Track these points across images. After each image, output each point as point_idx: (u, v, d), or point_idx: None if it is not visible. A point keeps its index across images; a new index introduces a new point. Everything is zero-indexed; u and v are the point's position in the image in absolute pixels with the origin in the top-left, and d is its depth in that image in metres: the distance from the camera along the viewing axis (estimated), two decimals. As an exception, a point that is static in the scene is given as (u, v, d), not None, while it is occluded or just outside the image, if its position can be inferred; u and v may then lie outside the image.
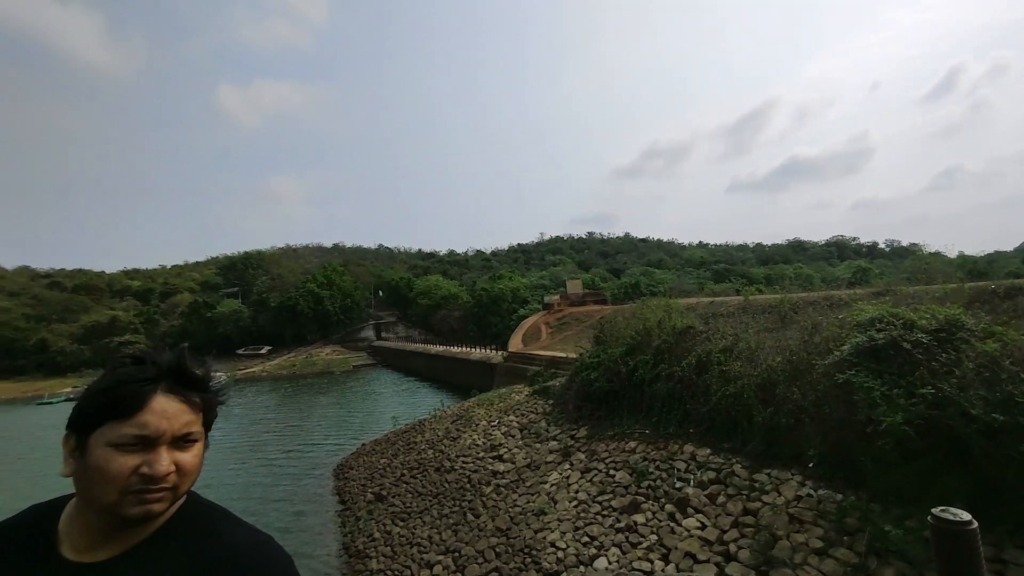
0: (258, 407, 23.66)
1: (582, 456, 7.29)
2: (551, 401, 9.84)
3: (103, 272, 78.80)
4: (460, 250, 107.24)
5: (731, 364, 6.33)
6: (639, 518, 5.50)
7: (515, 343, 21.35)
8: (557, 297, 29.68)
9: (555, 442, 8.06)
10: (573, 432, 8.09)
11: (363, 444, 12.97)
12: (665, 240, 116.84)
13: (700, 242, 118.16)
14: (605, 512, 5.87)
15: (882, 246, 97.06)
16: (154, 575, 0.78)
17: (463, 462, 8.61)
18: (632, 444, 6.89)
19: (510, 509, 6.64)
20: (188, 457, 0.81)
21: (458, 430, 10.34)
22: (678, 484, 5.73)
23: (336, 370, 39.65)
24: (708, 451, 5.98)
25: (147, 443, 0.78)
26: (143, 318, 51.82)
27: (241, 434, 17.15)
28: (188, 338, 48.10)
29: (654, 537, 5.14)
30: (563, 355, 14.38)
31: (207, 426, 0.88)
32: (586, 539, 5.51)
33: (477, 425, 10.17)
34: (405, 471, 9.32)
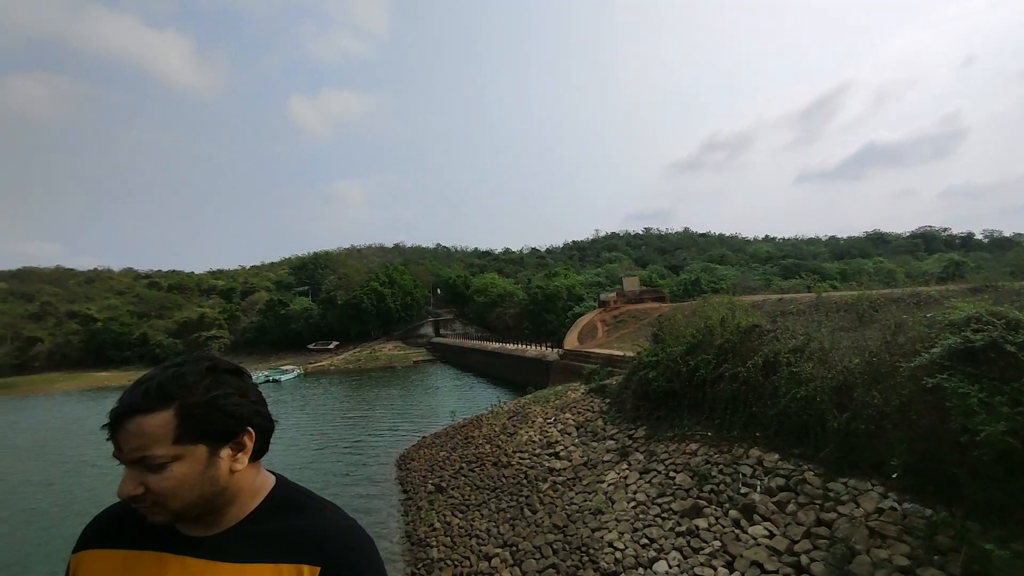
0: (329, 398, 25.13)
1: (640, 456, 7.15)
2: (608, 400, 9.72)
3: (193, 273, 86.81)
4: (515, 248, 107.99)
5: (802, 365, 5.97)
6: (701, 523, 5.33)
7: (570, 341, 21.22)
8: (613, 294, 29.17)
9: (612, 441, 7.97)
10: (631, 432, 7.95)
11: (423, 437, 13.44)
12: (728, 235, 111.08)
13: (766, 236, 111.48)
14: (665, 515, 5.74)
15: (979, 237, 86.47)
16: (254, 549, 0.86)
17: (520, 458, 8.72)
18: (693, 446, 6.67)
19: (567, 507, 6.65)
20: (155, 479, 0.80)
21: (514, 426, 10.47)
22: (743, 490, 5.49)
23: (397, 365, 41.26)
24: (776, 456, 5.67)
25: (123, 460, 0.81)
26: (227, 315, 56.50)
27: (316, 422, 18.41)
28: (265, 333, 51.95)
29: (717, 543, 4.97)
30: (620, 353, 14.13)
31: (204, 439, 0.83)
32: (645, 541, 5.42)
33: (533, 422, 10.24)
34: (463, 464, 9.56)
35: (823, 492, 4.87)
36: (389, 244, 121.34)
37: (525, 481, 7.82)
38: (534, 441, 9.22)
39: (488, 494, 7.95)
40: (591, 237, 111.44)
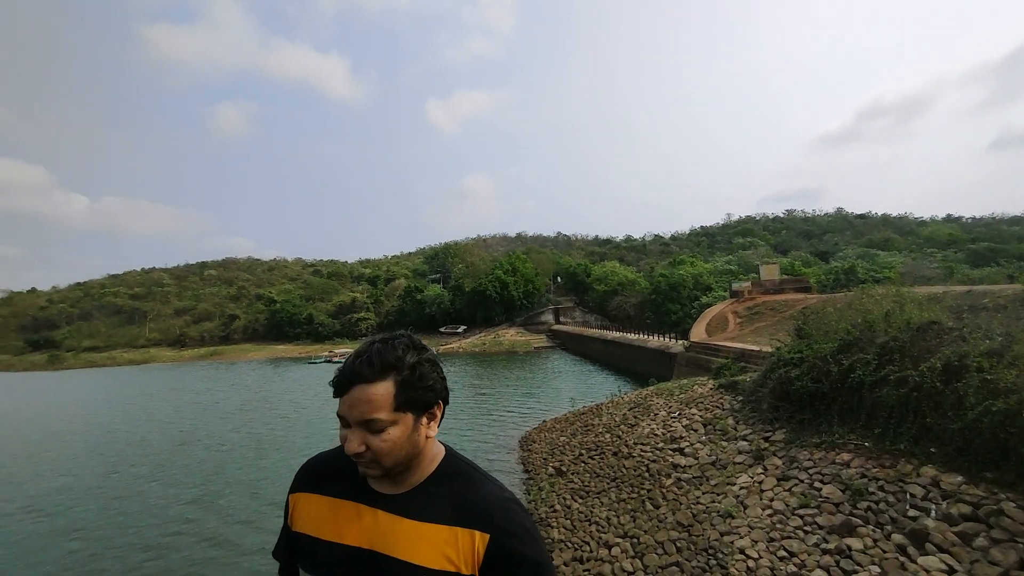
0: (459, 378, 27.10)
1: (778, 462, 6.53)
2: (740, 398, 9.00)
3: (346, 262, 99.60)
4: (637, 235, 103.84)
5: (1000, 372, 4.88)
6: (854, 543, 4.72)
7: (697, 332, 19.92)
8: (748, 284, 26.60)
9: (745, 442, 7.38)
10: (767, 434, 7.28)
11: (544, 421, 13.84)
12: (894, 215, 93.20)
13: (948, 215, 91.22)
14: (808, 528, 5.19)
15: None
16: (433, 511, 0.97)
17: (641, 450, 8.53)
18: (845, 456, 5.89)
19: (692, 505, 6.37)
20: (376, 440, 0.92)
21: (635, 418, 10.25)
22: (911, 512, 4.72)
23: (519, 350, 42.78)
24: (959, 479, 4.76)
25: (345, 423, 0.94)
26: (373, 299, 63.90)
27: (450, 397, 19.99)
28: (404, 316, 57.62)
29: (875, 569, 4.37)
30: (755, 348, 12.94)
31: (412, 408, 0.95)
32: (783, 554, 4.97)
33: (656, 415, 9.92)
34: (583, 451, 9.66)
35: (1027, 528, 3.98)
36: (512, 234, 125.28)
37: (647, 474, 7.65)
38: (656, 434, 8.94)
39: (608, 483, 7.94)
40: (721, 222, 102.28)
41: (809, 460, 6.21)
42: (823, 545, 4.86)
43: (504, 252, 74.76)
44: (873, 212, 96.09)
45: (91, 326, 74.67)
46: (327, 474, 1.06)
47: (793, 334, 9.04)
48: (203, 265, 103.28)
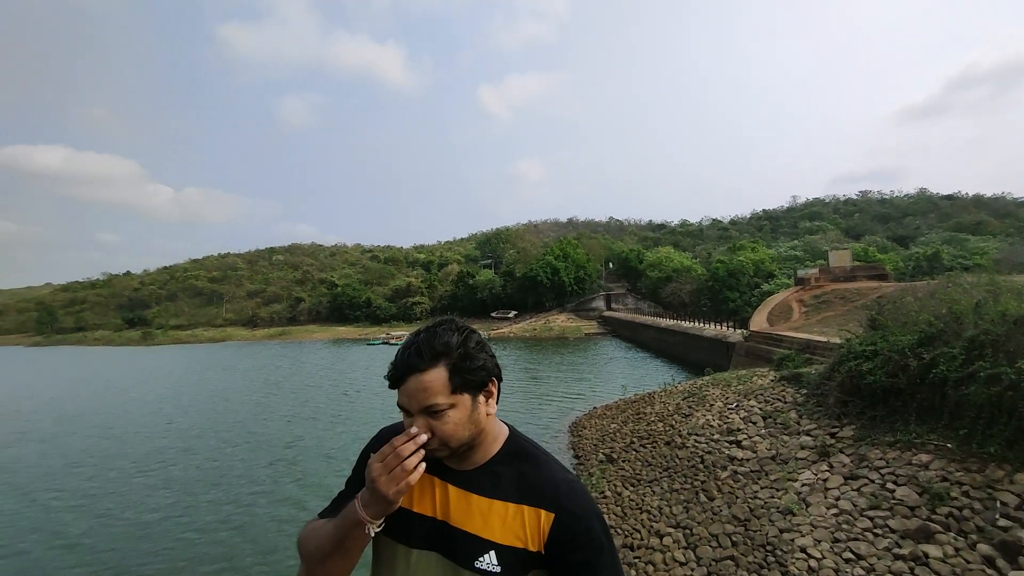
0: (511, 362, 27.42)
1: (846, 459, 6.17)
2: (804, 391, 8.53)
3: (401, 247, 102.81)
4: (693, 220, 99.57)
5: (1119, 372, 4.33)
6: (931, 550, 4.41)
7: (758, 321, 18.99)
8: (815, 271, 24.90)
9: (808, 437, 7.02)
10: (833, 430, 6.89)
11: (594, 407, 13.78)
12: (988, 196, 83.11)
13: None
14: (878, 531, 4.90)
15: None
16: (500, 488, 1.00)
17: (695, 441, 8.33)
18: (924, 457, 5.48)
19: (749, 499, 6.17)
20: (439, 424, 0.95)
21: (690, 407, 9.99)
22: (1002, 522, 4.33)
23: (570, 336, 42.62)
24: (1061, 488, 4.31)
25: (407, 412, 0.98)
26: (427, 284, 65.70)
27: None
28: (456, 300, 58.88)
29: (954, 578, 4.06)
30: (821, 339, 12.18)
31: (467, 389, 0.98)
32: (850, 556, 4.73)
33: (711, 406, 9.62)
34: (635, 439, 9.56)
35: None
36: (563, 219, 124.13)
37: (701, 466, 7.47)
38: (712, 426, 8.68)
39: (660, 472, 7.83)
40: (786, 205, 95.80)
41: (881, 459, 5.83)
42: (895, 550, 4.58)
43: (555, 237, 74.25)
44: (962, 192, 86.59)
45: (176, 306, 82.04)
46: None
47: (866, 325, 8.43)
48: (271, 250, 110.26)
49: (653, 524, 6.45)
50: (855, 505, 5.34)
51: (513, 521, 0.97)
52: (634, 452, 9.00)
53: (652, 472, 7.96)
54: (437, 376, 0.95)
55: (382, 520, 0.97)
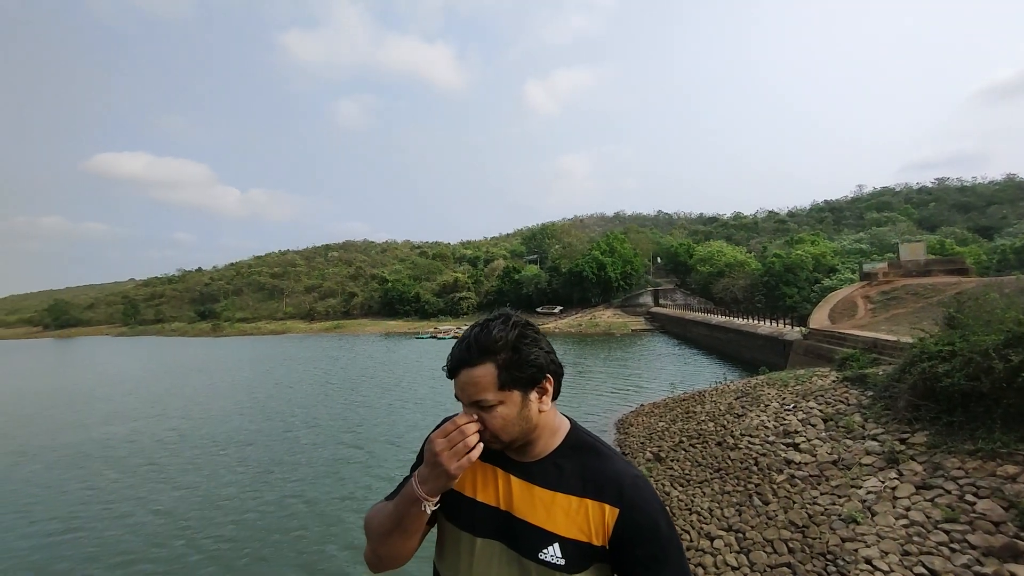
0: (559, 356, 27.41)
1: (917, 467, 5.75)
2: (870, 393, 8.00)
3: (449, 243, 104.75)
4: (747, 212, 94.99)
5: None
6: (1019, 570, 4.04)
7: (818, 319, 17.95)
8: (883, 265, 23.18)
9: (875, 442, 6.59)
10: (904, 436, 6.43)
11: (642, 405, 13.53)
12: None
13: None
14: (956, 546, 4.54)
15: None
16: (562, 481, 1.00)
17: (749, 442, 8.02)
18: (1011, 469, 5.01)
19: (808, 505, 5.88)
20: (488, 418, 0.97)
21: (743, 407, 9.61)
22: (1102, 542, 3.90)
23: (616, 332, 41.94)
24: None
25: (463, 402, 1.00)
26: (473, 279, 66.61)
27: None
28: (502, 296, 59.32)
29: (1044, 601, 3.71)
30: (890, 338, 11.35)
31: (516, 386, 0.98)
32: (922, 571, 4.42)
33: (767, 406, 9.21)
34: (684, 439, 9.32)
35: None
36: (610, 213, 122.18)
37: (755, 468, 7.19)
38: (767, 427, 8.32)
39: (711, 473, 7.60)
40: (850, 195, 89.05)
41: (959, 469, 5.38)
42: (976, 568, 4.23)
43: (601, 232, 73.14)
44: (1058, 178, 77.33)
45: (241, 300, 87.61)
46: None
47: (943, 323, 7.78)
48: (327, 247, 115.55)
49: (703, 526, 6.28)
50: (928, 517, 4.97)
51: (576, 514, 0.97)
52: (683, 451, 8.78)
53: (702, 473, 7.74)
54: (485, 372, 0.96)
55: (438, 498, 0.98)
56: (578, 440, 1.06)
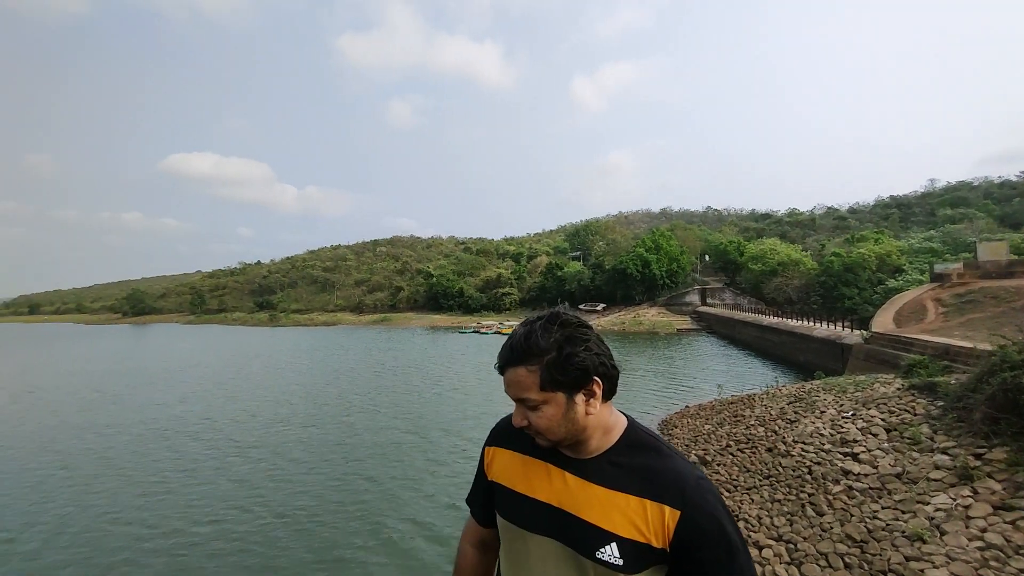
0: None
1: (995, 486, 5.32)
2: (940, 403, 7.45)
3: (492, 239, 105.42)
4: (803, 208, 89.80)
5: None
6: (1110, 602, 3.68)
7: (882, 322, 16.84)
8: (958, 265, 21.37)
9: (945, 456, 6.14)
10: (979, 451, 5.95)
11: (687, 406, 13.19)
12: None
13: None
14: (1035, 572, 4.18)
15: None
16: (620, 479, 0.99)
17: (802, 449, 7.67)
18: (1106, 492, 4.55)
19: (867, 519, 5.58)
20: (533, 416, 0.98)
21: (796, 413, 9.19)
22: None
23: (661, 331, 40.95)
24: None
25: (511, 398, 1.01)
26: (516, 275, 66.83)
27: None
28: (544, 292, 59.23)
29: None
30: (965, 344, 10.51)
31: (560, 388, 0.96)
32: (994, 595, 4.11)
33: (822, 413, 8.77)
34: (731, 443, 9.03)
35: None
36: (656, 210, 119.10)
37: (809, 477, 6.87)
38: (822, 434, 7.92)
39: (760, 480, 7.34)
40: (921, 190, 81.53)
41: (1044, 490, 4.94)
42: (1059, 596, 3.89)
43: (647, 229, 71.44)
44: None
45: (296, 292, 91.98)
46: (519, 433, 1.11)
47: (1029, 330, 7.12)
48: (376, 243, 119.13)
49: (751, 534, 6.08)
50: (1008, 540, 4.60)
51: (635, 514, 0.94)
52: (730, 456, 8.51)
53: (751, 479, 7.48)
54: (528, 373, 0.96)
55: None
56: (636, 438, 1.04)
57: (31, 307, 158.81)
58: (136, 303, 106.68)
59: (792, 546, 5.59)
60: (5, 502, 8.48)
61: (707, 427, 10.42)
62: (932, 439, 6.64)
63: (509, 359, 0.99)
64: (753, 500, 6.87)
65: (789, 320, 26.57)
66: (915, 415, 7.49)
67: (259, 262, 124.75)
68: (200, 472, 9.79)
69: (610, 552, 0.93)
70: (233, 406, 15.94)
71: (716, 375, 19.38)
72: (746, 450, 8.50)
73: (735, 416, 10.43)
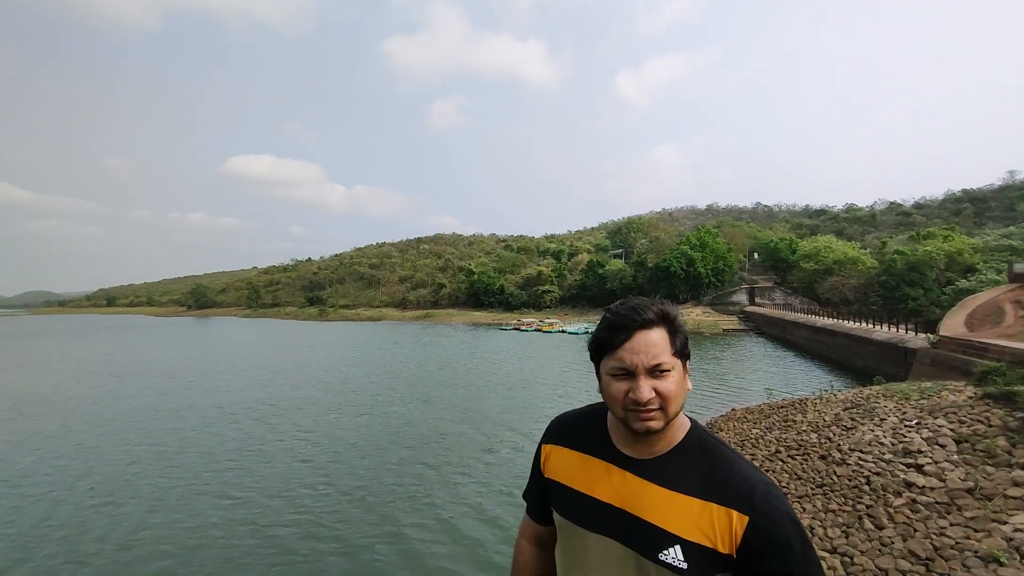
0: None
1: (1083, 507, 4.88)
2: (1020, 414, 6.89)
3: (533, 237, 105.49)
4: (862, 203, 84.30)
5: None
6: None
7: (952, 325, 15.66)
8: (1047, 264, 19.52)
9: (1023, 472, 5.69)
10: (1066, 468, 5.47)
11: (733, 409, 12.78)
12: None
13: None
14: None
15: None
16: (683, 481, 0.95)
17: (859, 458, 7.28)
18: None
19: (933, 536, 5.25)
20: (664, 384, 0.92)
21: (852, 420, 8.72)
22: None
23: (705, 331, 39.68)
24: None
25: (628, 373, 0.93)
26: (557, 273, 66.51)
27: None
28: (585, 290, 58.65)
29: None
30: (1055, 352, 9.60)
31: (681, 356, 0.96)
32: (1079, 624, 3.79)
33: (882, 420, 8.28)
34: (781, 448, 8.69)
35: None
36: (701, 206, 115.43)
37: (867, 488, 6.52)
38: (882, 443, 7.49)
39: (813, 488, 7.03)
40: (999, 183, 73.98)
41: None
42: None
43: (692, 226, 69.32)
44: None
45: (344, 288, 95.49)
46: (577, 431, 1.10)
47: None
48: (419, 240, 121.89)
49: (802, 543, 5.85)
50: (1095, 565, 4.22)
51: (700, 518, 0.91)
52: (780, 462, 8.19)
53: (802, 487, 7.18)
54: (663, 335, 0.94)
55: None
56: (700, 440, 1.01)
57: (108, 300, 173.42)
58: (199, 297, 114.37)
59: (848, 559, 5.34)
60: (110, 474, 9.58)
61: (755, 431, 10.06)
62: (1010, 453, 6.16)
63: (645, 320, 0.94)
64: (805, 509, 6.60)
65: (845, 322, 25.12)
66: (990, 426, 6.95)
67: (310, 259, 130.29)
68: (268, 452, 10.63)
69: (673, 555, 0.90)
70: (294, 393, 17.11)
71: (765, 378, 18.65)
72: (797, 457, 8.16)
73: (785, 421, 10.02)
